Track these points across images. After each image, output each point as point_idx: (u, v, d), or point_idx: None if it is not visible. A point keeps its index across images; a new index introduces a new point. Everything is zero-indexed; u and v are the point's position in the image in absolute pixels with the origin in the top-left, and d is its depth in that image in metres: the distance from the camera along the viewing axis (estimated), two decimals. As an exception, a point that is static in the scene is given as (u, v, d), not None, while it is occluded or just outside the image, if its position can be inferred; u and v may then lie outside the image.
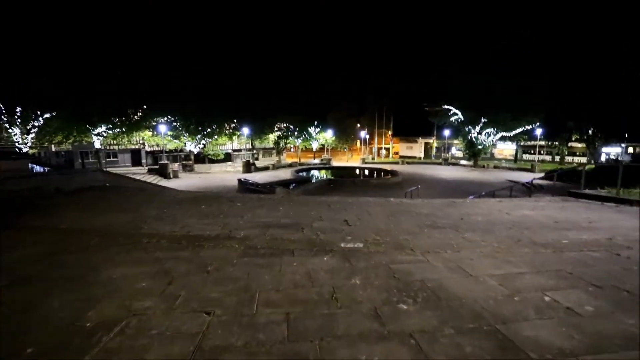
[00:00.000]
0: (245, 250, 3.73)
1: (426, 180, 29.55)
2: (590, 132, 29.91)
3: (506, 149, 55.90)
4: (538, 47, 34.02)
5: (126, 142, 33.56)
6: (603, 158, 46.96)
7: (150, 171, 30.40)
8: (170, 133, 34.19)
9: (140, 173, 28.68)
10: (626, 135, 37.85)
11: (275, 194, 19.55)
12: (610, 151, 47.99)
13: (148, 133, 33.98)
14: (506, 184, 27.32)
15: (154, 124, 33.20)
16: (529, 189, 24.44)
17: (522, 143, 47.22)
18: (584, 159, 48.28)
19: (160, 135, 33.13)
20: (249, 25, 60.46)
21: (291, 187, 24.17)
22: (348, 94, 61.20)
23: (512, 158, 53.43)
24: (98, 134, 29.03)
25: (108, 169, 31.31)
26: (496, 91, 35.18)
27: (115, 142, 32.90)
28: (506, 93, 34.57)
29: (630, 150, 48.56)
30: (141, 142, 38.17)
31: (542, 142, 43.37)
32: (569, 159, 48.96)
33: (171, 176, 29.90)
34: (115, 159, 40.04)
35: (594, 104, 26.19)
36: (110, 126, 29.56)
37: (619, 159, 42.48)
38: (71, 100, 23.98)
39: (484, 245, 3.85)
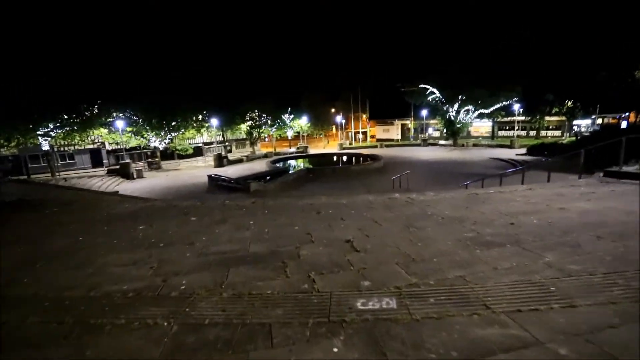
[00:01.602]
0: (180, 332, 1.97)
1: (408, 162, 28.31)
2: (569, 104, 29.49)
3: (482, 127, 55.70)
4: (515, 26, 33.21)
5: (80, 142, 30.11)
6: (574, 130, 47.67)
7: (109, 172, 27.31)
8: (129, 129, 30.96)
9: (98, 175, 25.71)
10: (598, 107, 38.04)
11: (250, 190, 17.65)
12: (581, 123, 48.69)
13: (104, 130, 30.61)
14: (491, 162, 26.59)
15: (110, 120, 29.87)
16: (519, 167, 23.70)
17: (498, 119, 46.95)
18: (557, 132, 48.97)
19: (118, 132, 29.93)
20: (211, 7, 56.55)
21: (267, 179, 22.23)
22: (321, 78, 58.97)
23: (488, 135, 53.38)
24: (45, 135, 25.65)
25: (61, 174, 28.14)
26: (473, 67, 34.24)
27: (66, 142, 29.38)
28: (483, 68, 33.69)
29: (599, 121, 49.50)
30: (99, 140, 34.71)
31: (520, 118, 43.13)
32: (541, 133, 49.38)
33: (134, 176, 27.03)
34: (72, 161, 36.28)
35: (574, 76, 25.60)
36: (59, 124, 26.21)
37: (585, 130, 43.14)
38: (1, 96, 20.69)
39: (599, 284, 2.26)
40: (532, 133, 50.45)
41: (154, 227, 4.49)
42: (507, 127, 54.15)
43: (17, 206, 6.29)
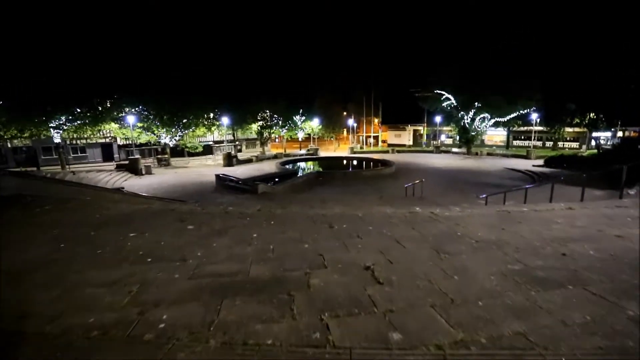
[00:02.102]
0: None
1: (422, 170, 27.57)
2: (592, 115, 28.25)
3: (496, 135, 54.47)
4: (538, 28, 32.35)
5: (91, 136, 30.14)
6: (593, 143, 46.13)
7: (118, 167, 27.20)
8: (140, 125, 30.87)
9: (106, 170, 25.60)
10: (620, 120, 36.54)
11: (257, 191, 17.19)
12: (600, 135, 47.09)
13: (115, 125, 30.56)
14: (507, 173, 25.68)
15: (123, 114, 29.80)
16: (534, 179, 22.79)
17: (515, 128, 45.81)
18: (574, 144, 47.45)
19: (129, 128, 29.83)
20: (226, 6, 56.61)
21: (275, 181, 21.74)
22: (334, 81, 58.57)
23: (503, 144, 52.23)
24: (57, 127, 25.66)
25: (72, 167, 28.17)
26: (491, 73, 33.36)
27: (77, 135, 29.36)
28: (501, 75, 32.79)
29: (620, 134, 47.87)
30: (110, 135, 34.75)
31: (537, 128, 41.92)
32: (558, 144, 47.92)
33: (143, 172, 26.88)
34: (84, 155, 36.57)
35: (598, 87, 24.51)
36: (71, 117, 26.22)
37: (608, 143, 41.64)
38: (17, 87, 20.71)
39: None
40: (548, 144, 49.08)
41: (146, 236, 3.99)
42: (523, 137, 52.80)
43: (9, 203, 5.88)
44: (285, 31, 60.57)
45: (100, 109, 27.20)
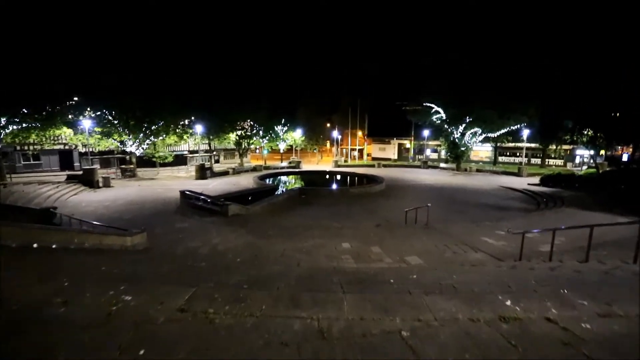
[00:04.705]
0: None
1: (413, 187, 25.35)
2: (590, 132, 27.01)
3: (481, 151, 53.58)
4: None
5: (39, 142, 26.10)
6: (577, 160, 45.62)
7: (70, 178, 23.46)
8: (98, 129, 27.16)
9: (53, 182, 21.79)
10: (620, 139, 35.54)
11: (228, 214, 14.24)
12: (583, 153, 46.59)
13: (68, 130, 26.76)
14: (505, 192, 23.75)
15: (79, 118, 26.07)
16: (539, 203, 20.81)
17: (504, 144, 44.87)
18: (559, 162, 46.77)
19: (85, 133, 26.10)
20: (208, 7, 53.92)
21: (252, 198, 18.80)
22: (319, 91, 56.51)
23: (488, 160, 51.35)
24: (-4, 133, 21.89)
25: (12, 178, 24.13)
26: (483, 85, 32.02)
27: (17, 141, 25.06)
28: (494, 87, 31.50)
29: (602, 152, 47.61)
30: (65, 141, 30.75)
31: (528, 144, 40.91)
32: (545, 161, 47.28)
33: (100, 185, 23.30)
34: (37, 162, 32.40)
35: (599, 104, 23.17)
36: (16, 120, 22.45)
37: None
38: None
39: None
40: (534, 161, 48.33)
41: None
42: (508, 153, 52.04)
43: None
44: (269, 35, 58.36)
45: (50, 110, 23.46)
